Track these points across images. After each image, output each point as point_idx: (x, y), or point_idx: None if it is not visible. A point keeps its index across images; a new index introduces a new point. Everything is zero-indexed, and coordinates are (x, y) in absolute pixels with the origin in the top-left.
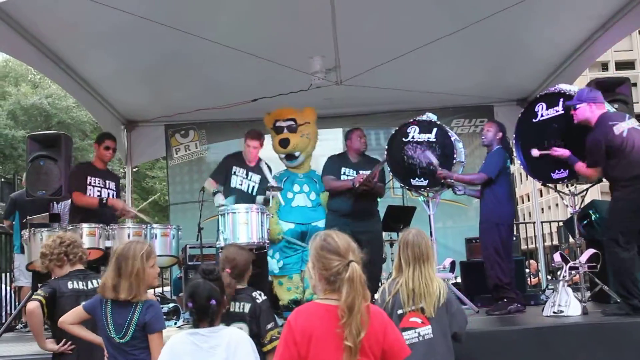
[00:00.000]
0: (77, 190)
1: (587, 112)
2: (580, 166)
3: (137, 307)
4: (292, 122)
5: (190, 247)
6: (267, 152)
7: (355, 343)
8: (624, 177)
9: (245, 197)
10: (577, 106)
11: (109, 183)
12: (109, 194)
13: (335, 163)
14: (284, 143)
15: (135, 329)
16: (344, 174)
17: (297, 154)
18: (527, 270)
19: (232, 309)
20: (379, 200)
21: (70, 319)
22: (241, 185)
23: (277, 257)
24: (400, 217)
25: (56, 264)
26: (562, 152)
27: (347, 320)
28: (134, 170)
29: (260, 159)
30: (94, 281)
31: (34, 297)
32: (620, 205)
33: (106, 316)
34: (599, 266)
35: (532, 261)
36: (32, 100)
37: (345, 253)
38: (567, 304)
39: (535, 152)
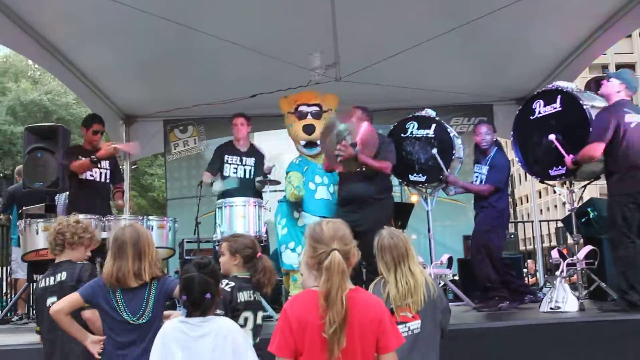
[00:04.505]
0: (70, 163)
1: (615, 89)
2: (581, 152)
3: (151, 288)
4: (318, 108)
5: (187, 242)
6: (276, 140)
7: (329, 333)
8: (620, 168)
9: (242, 183)
10: (611, 79)
11: (102, 162)
12: (101, 174)
13: None
14: (309, 129)
15: (154, 307)
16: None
17: (319, 142)
18: (525, 270)
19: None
20: None
21: (67, 307)
22: (236, 171)
23: (299, 250)
24: (398, 214)
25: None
26: (569, 161)
27: (325, 309)
28: (133, 167)
29: (252, 144)
30: (59, 275)
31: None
32: (619, 199)
33: (117, 304)
34: (596, 263)
35: (529, 261)
36: (31, 97)
37: (330, 241)
38: (564, 300)
39: (552, 137)
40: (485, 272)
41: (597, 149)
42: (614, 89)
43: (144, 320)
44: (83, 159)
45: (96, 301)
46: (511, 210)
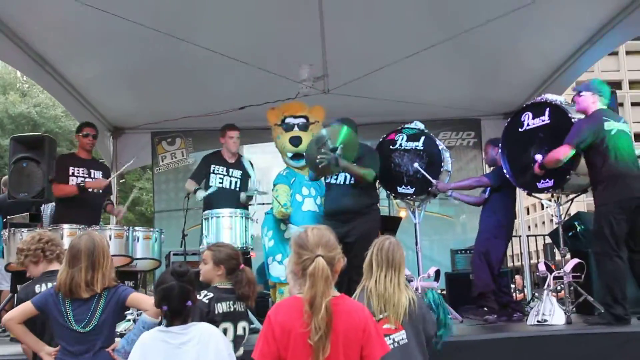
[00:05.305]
0: (55, 181)
1: (589, 101)
2: (548, 155)
3: (101, 298)
4: (305, 120)
5: (174, 254)
6: (265, 153)
7: (315, 340)
8: (604, 177)
9: (227, 194)
10: (582, 93)
11: (94, 172)
12: None
13: None
14: (296, 141)
15: (101, 316)
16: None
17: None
18: (513, 286)
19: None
20: None
21: (19, 316)
22: (222, 182)
23: (287, 262)
24: (387, 226)
25: (32, 260)
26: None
27: (309, 315)
28: (121, 181)
29: (241, 156)
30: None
31: None
32: (606, 209)
33: (66, 313)
34: (583, 276)
35: (517, 277)
36: (20, 109)
37: (314, 247)
38: (551, 313)
39: (538, 157)
40: (483, 278)
41: (562, 152)
42: (589, 100)
43: (89, 328)
44: (74, 169)
45: (48, 310)
46: None
